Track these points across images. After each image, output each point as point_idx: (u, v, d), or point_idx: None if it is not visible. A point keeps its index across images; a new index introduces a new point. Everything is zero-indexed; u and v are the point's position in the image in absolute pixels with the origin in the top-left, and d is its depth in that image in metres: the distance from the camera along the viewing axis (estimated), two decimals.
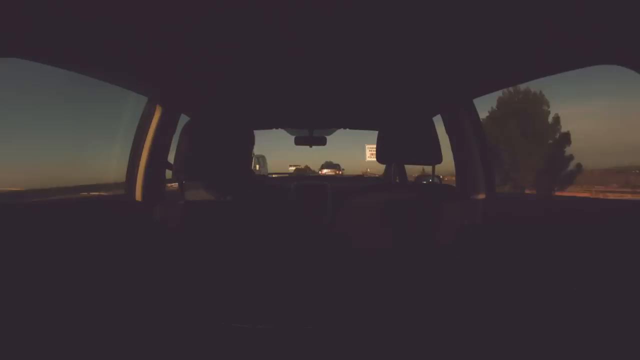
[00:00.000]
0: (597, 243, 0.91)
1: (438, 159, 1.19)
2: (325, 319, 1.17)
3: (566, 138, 14.42)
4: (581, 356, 0.89)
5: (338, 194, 2.09)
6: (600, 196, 11.82)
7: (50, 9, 0.71)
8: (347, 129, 2.38)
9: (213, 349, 1.04)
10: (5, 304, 0.78)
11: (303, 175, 5.65)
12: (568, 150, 14.47)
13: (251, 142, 1.27)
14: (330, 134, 2.79)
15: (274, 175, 3.13)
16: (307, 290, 1.39)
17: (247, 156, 1.27)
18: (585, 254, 0.92)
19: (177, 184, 1.22)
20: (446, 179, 3.17)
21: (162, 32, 0.86)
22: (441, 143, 1.24)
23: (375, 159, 1.31)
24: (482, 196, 1.39)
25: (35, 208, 1.01)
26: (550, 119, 14.59)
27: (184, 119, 1.51)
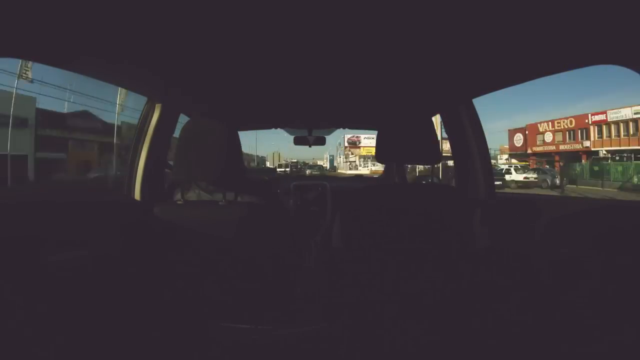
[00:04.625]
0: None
1: (438, 158, 1.19)
2: (326, 319, 1.17)
3: None
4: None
5: (337, 194, 2.10)
6: None
7: (50, 9, 0.71)
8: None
9: (213, 349, 1.04)
10: (5, 304, 0.78)
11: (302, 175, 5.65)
12: None
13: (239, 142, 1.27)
14: (329, 133, 2.79)
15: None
16: (307, 290, 1.39)
17: (246, 156, 1.27)
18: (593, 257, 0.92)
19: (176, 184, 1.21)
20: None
21: (161, 32, 0.86)
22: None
23: None
24: (481, 195, 1.39)
25: (36, 208, 1.01)
26: None
27: (183, 119, 1.51)
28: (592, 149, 18.94)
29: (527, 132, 22.54)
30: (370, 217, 1.15)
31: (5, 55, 0.80)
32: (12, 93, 10.77)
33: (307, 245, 1.95)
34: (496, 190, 1.47)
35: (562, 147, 20.44)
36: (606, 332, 0.87)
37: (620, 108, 17.85)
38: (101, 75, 1.11)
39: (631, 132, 17.51)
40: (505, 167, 17.72)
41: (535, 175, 16.29)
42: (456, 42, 0.93)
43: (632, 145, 17.19)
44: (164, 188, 1.43)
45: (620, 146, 17.97)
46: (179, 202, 1.13)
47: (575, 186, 15.49)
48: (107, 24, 0.80)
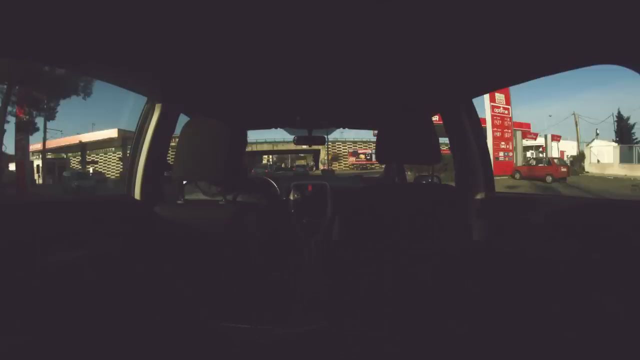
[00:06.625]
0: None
1: (437, 158, 1.19)
2: (326, 319, 1.17)
3: None
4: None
5: (337, 194, 2.10)
6: None
7: (50, 9, 0.71)
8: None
9: (213, 349, 1.04)
10: (6, 304, 0.78)
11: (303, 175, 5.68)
12: None
13: (245, 141, 1.28)
14: (329, 133, 2.79)
15: None
16: (307, 290, 1.39)
17: (246, 156, 1.27)
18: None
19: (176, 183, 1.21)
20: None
21: (162, 32, 0.86)
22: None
23: None
24: (481, 195, 1.39)
25: (36, 207, 1.01)
26: None
27: (183, 119, 1.51)
28: None
29: None
30: (371, 217, 1.15)
31: (5, 55, 0.80)
32: None
33: (307, 245, 1.96)
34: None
35: None
36: (602, 329, 0.87)
37: None
38: (101, 76, 1.11)
39: None
40: None
41: None
42: (456, 42, 0.93)
43: None
44: (164, 188, 1.43)
45: None
46: (179, 202, 1.13)
47: None
48: (108, 24, 0.80)
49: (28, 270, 0.84)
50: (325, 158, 21.85)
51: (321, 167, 21.90)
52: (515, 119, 15.19)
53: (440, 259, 1.08)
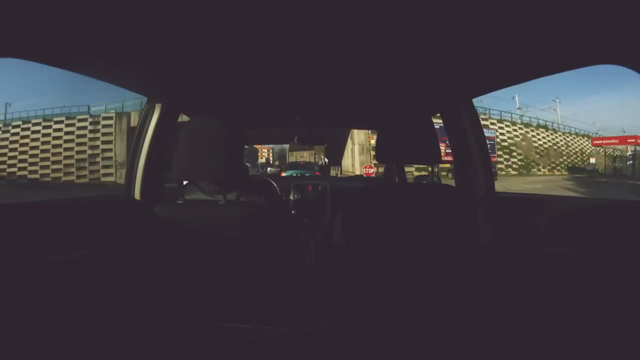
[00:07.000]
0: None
1: (437, 158, 1.19)
2: (326, 319, 1.17)
3: None
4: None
5: (337, 194, 2.10)
6: None
7: (50, 9, 0.71)
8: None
9: (214, 349, 1.04)
10: (6, 304, 0.78)
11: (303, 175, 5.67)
12: None
13: (245, 141, 1.28)
14: (329, 133, 2.79)
15: None
16: (307, 290, 1.39)
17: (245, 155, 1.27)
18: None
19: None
20: None
21: (161, 32, 0.86)
22: None
23: None
24: (481, 195, 1.39)
25: (36, 207, 1.01)
26: None
27: (183, 119, 1.51)
28: None
29: None
30: (371, 217, 1.15)
31: (5, 55, 0.80)
32: None
33: (307, 245, 1.96)
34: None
35: None
36: (605, 331, 0.87)
37: None
38: (101, 75, 1.11)
39: None
40: None
41: None
42: (456, 42, 0.93)
43: None
44: (164, 188, 1.43)
45: None
46: (179, 202, 1.13)
47: None
48: (107, 23, 0.80)
49: (28, 270, 0.84)
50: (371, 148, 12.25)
51: (366, 169, 11.86)
52: None
53: (440, 259, 1.08)
